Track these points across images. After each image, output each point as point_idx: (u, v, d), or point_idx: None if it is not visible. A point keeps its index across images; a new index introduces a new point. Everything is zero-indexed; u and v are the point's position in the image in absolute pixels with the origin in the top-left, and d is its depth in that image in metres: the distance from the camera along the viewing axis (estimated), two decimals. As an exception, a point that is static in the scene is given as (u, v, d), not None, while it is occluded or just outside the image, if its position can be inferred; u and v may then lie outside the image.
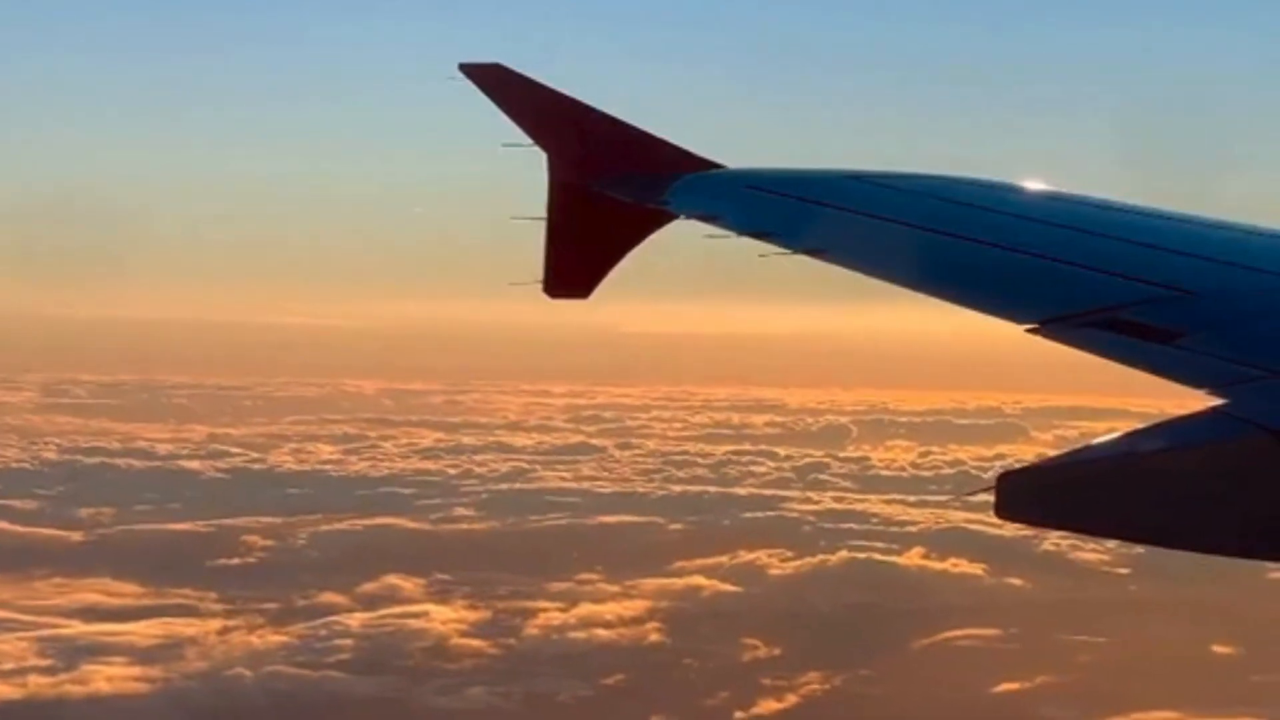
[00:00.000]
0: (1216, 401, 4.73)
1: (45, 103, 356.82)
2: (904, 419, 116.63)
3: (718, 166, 9.75)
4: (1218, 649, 50.84)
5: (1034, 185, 8.67)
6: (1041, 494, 4.51)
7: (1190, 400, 4.84)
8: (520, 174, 10.28)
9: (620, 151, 9.75)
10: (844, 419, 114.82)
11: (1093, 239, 7.45)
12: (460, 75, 9.87)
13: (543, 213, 9.84)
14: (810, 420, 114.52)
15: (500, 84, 9.84)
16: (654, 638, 52.11)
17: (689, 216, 9.09)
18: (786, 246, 7.82)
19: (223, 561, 62.67)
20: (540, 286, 9.90)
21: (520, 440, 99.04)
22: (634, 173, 9.60)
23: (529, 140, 9.80)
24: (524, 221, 9.86)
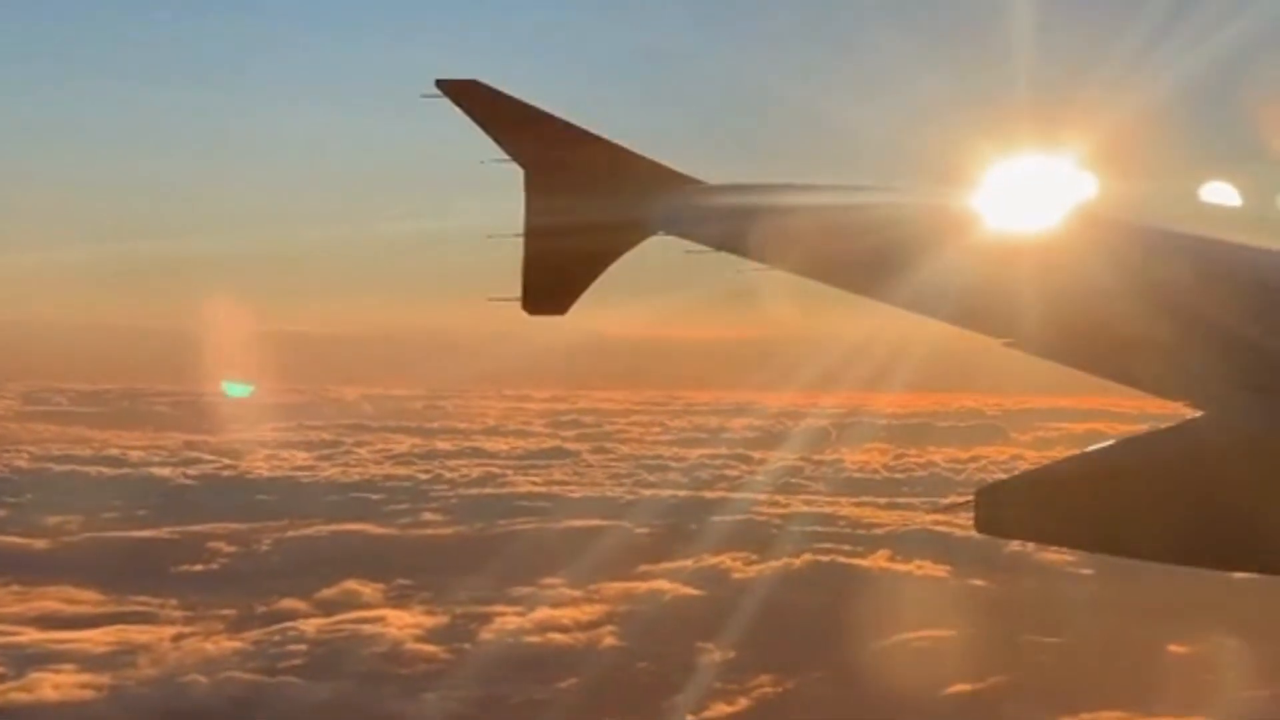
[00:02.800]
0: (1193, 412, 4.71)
1: (39, 109, 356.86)
2: (884, 422, 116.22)
3: (696, 182, 9.80)
4: (1174, 649, 50.81)
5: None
6: (1019, 509, 4.51)
7: (1169, 403, 4.80)
8: (497, 190, 10.26)
9: (597, 166, 9.75)
10: (824, 422, 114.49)
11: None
12: (437, 91, 9.85)
13: (519, 229, 9.83)
14: (789, 424, 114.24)
15: (477, 99, 9.85)
16: (609, 641, 52.09)
17: (668, 233, 9.12)
18: (764, 262, 7.79)
19: (185, 568, 62.68)
20: (519, 303, 9.93)
21: (495, 445, 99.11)
22: (611, 188, 9.57)
23: (505, 156, 9.83)
24: (503, 238, 9.87)
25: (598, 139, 9.87)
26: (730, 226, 8.68)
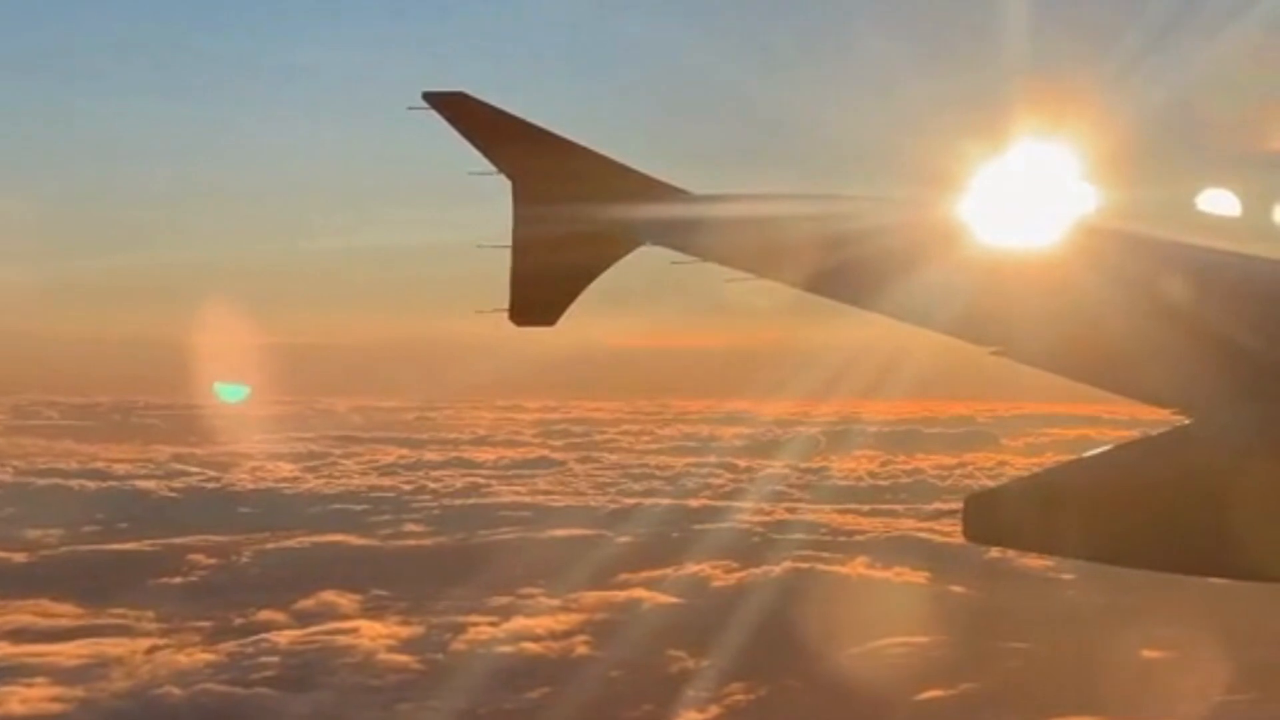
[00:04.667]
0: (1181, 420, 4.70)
1: (28, 120, 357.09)
2: (874, 429, 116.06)
3: (683, 192, 9.79)
4: (1147, 654, 50.65)
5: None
6: (1007, 517, 4.53)
7: (1160, 410, 4.78)
8: (485, 201, 10.25)
9: (584, 178, 9.74)
10: (814, 431, 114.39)
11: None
12: (424, 104, 9.85)
13: (508, 240, 9.82)
14: (779, 432, 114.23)
15: (464, 112, 9.85)
16: (583, 650, 52.00)
17: (654, 244, 9.14)
18: (751, 273, 7.73)
19: (164, 580, 62.56)
20: (506, 314, 9.94)
21: (482, 455, 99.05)
22: (598, 199, 9.57)
23: (493, 168, 9.83)
24: (492, 249, 9.86)
25: (584, 150, 9.87)
26: (717, 237, 8.71)
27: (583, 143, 9.89)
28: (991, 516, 4.52)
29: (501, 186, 9.86)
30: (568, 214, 9.59)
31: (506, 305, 9.90)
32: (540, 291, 9.89)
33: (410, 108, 9.81)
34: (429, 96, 9.85)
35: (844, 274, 7.51)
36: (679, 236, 8.89)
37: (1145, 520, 4.43)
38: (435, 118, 9.80)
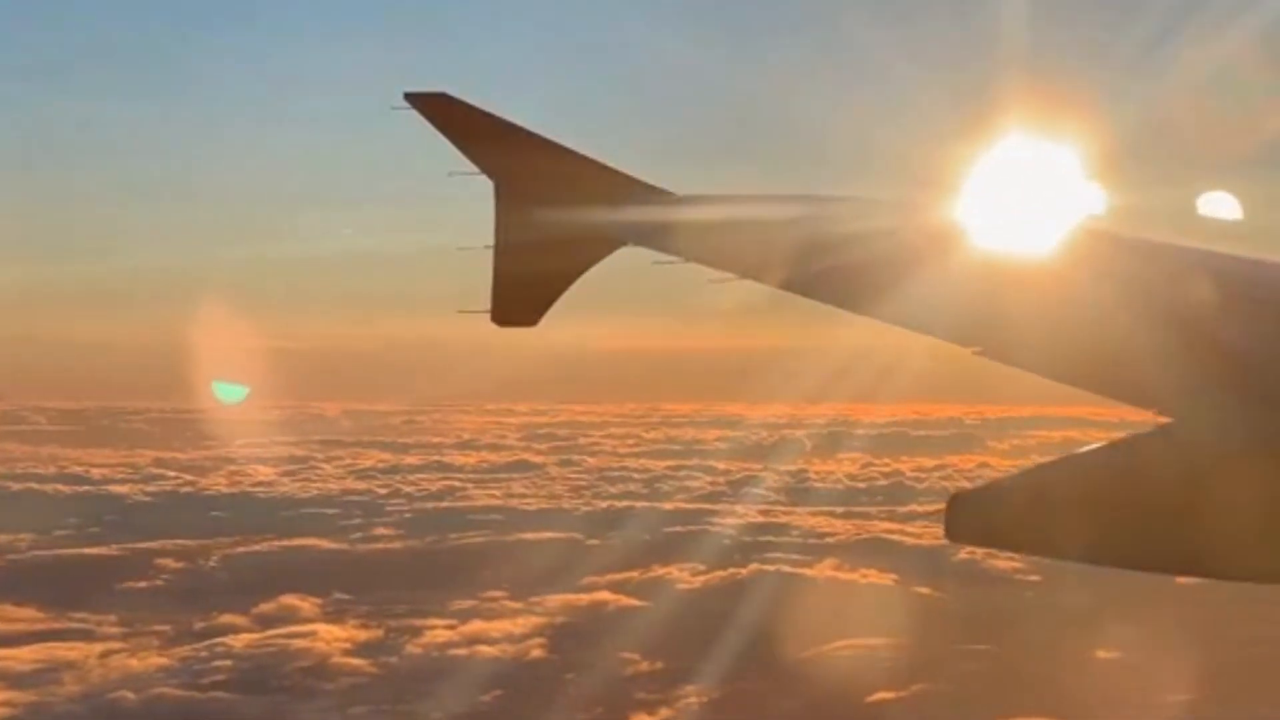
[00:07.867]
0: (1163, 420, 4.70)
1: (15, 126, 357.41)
2: (861, 432, 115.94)
3: (665, 193, 9.79)
4: (1101, 654, 50.54)
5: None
6: (989, 518, 4.53)
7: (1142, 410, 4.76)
8: (467, 202, 10.25)
9: (566, 179, 9.75)
10: (799, 433, 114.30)
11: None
12: (406, 104, 9.84)
13: (490, 241, 9.82)
14: (765, 435, 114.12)
15: (446, 113, 9.85)
16: (537, 654, 51.90)
17: (637, 244, 9.14)
18: (733, 274, 7.78)
19: (129, 584, 62.52)
20: (489, 315, 9.95)
21: (462, 459, 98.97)
22: (580, 200, 9.58)
23: (475, 169, 9.85)
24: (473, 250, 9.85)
25: (567, 151, 9.87)
26: (699, 238, 8.73)
27: (565, 143, 9.90)
28: (974, 517, 4.51)
29: (484, 187, 9.86)
30: (550, 215, 9.59)
31: (488, 306, 9.89)
32: (522, 292, 9.90)
33: (393, 108, 9.81)
34: (411, 97, 9.82)
35: (827, 275, 7.50)
36: (661, 237, 8.90)
37: (1127, 520, 4.42)
38: (417, 118, 9.78)
